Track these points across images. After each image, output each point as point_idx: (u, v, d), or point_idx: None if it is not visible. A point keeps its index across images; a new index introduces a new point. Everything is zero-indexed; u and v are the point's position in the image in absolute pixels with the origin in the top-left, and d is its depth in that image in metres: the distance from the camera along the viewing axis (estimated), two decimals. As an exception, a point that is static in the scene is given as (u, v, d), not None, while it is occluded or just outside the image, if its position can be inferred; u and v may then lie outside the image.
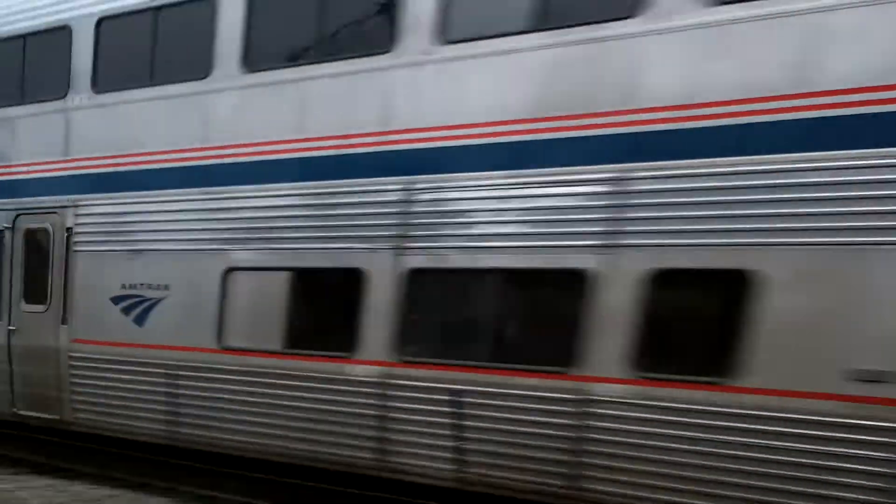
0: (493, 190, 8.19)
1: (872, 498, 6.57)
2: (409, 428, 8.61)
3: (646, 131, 7.48)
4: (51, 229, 11.45)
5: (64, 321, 11.25)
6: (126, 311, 10.68)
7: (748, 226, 7.07)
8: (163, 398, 10.22)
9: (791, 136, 6.86)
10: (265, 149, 9.65)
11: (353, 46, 9.11)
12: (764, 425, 6.96)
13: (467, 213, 8.35)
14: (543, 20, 8.09)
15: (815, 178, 6.84)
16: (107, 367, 10.76)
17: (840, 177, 6.73)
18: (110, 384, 10.74)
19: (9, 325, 11.75)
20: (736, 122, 7.12)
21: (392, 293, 8.74)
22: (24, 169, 11.85)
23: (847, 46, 6.64)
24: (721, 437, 7.13)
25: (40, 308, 11.50)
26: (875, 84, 6.56)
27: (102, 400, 10.81)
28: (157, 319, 10.36)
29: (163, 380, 10.24)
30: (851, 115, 6.61)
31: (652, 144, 7.45)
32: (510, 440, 8.02)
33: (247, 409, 9.58)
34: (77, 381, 11.08)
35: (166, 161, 10.42)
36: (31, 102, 11.77)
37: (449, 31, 8.61)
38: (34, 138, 11.72)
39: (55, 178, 11.50)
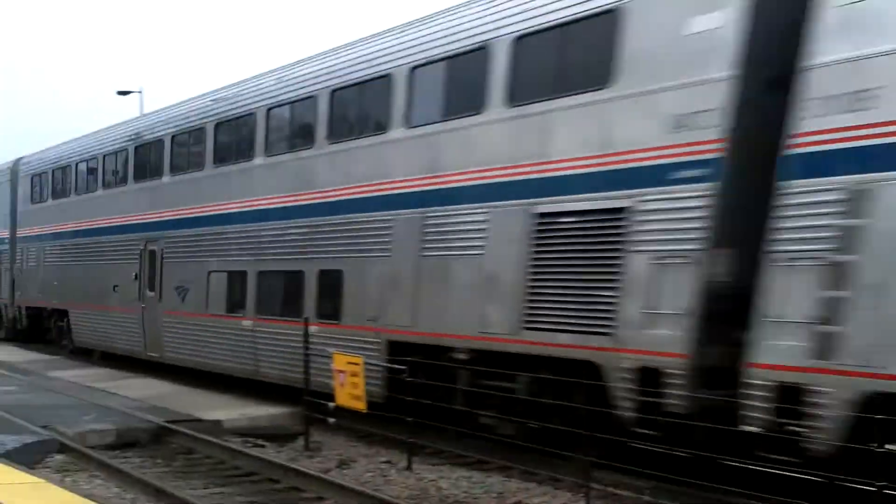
0: (273, 231, 17.19)
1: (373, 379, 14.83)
2: (264, 352, 17.72)
3: (322, 202, 16.12)
4: (157, 249, 21.72)
5: (160, 300, 21.48)
6: (179, 295, 20.67)
7: (340, 249, 15.56)
8: (193, 342, 19.92)
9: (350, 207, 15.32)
10: (224, 206, 19.20)
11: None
12: (346, 342, 15.41)
13: (268, 242, 17.40)
14: (293, 146, 16.99)
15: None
16: (175, 326, 20.77)
17: (351, 228, 15.13)
18: (178, 336, 20.72)
19: (142, 304, 22.20)
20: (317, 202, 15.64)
21: (254, 284, 17.94)
22: (148, 216, 22.22)
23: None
24: (334, 346, 15.64)
25: (154, 294, 21.82)
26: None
27: (175, 345, 20.80)
28: (191, 297, 20.19)
29: (205, 333, 19.92)
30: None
31: (323, 208, 16.09)
32: (286, 357, 16.85)
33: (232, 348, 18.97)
34: (166, 334, 21.21)
35: (185, 213, 20.29)
36: (138, 182, 22.21)
37: (270, 150, 17.71)
38: (143, 202, 22.09)
39: (157, 222, 21.76)
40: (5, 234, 32.14)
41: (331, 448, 13.97)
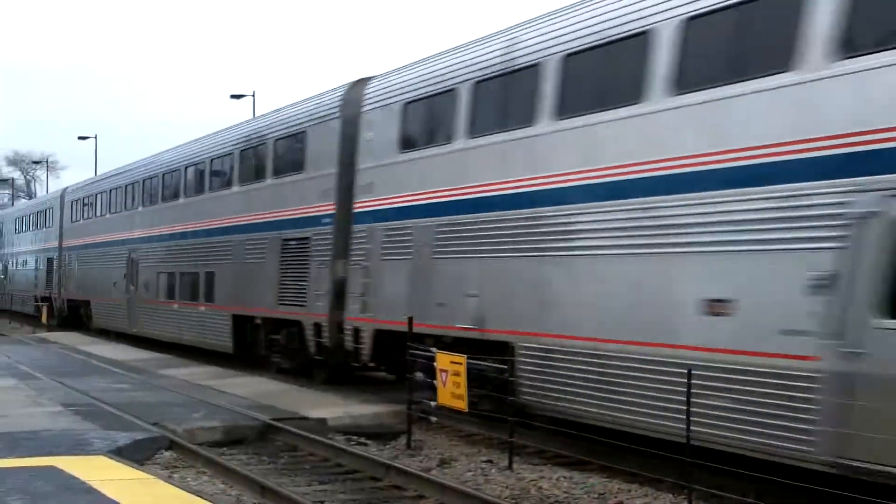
0: (187, 245, 27.33)
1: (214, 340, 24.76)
2: (184, 324, 27.80)
3: (205, 228, 26.19)
4: (135, 257, 32.10)
5: (137, 292, 31.85)
6: (145, 288, 31.01)
7: (213, 258, 25.58)
8: (153, 320, 30.10)
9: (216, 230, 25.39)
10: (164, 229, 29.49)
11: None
12: (215, 316, 25.40)
13: (184, 252, 27.54)
14: (197, 191, 27.14)
15: (202, 245, 25.30)
16: (144, 309, 31.06)
17: (207, 243, 25.18)
18: (146, 316, 30.97)
19: (127, 295, 32.61)
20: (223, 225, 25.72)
21: (178, 280, 28.12)
22: (130, 234, 32.59)
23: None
24: (207, 317, 25.66)
25: (133, 288, 32.21)
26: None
27: (144, 322, 31.04)
28: (150, 289, 30.47)
29: (156, 313, 30.13)
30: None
31: (206, 232, 26.14)
32: (194, 327, 26.87)
33: (168, 322, 29.11)
34: (140, 316, 31.55)
35: (148, 233, 30.62)
36: (127, 210, 32.70)
37: (187, 194, 27.90)
38: (128, 225, 32.50)
39: (134, 238, 32.14)
40: (55, 244, 43.10)
41: (432, 447, 14.21)
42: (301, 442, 14.29)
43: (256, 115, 36.39)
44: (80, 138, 64.67)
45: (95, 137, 64.33)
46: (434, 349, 14.56)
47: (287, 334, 21.72)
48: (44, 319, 41.07)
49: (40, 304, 42.10)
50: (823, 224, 9.71)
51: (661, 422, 11.27)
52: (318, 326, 20.13)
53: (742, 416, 10.40)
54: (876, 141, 9.27)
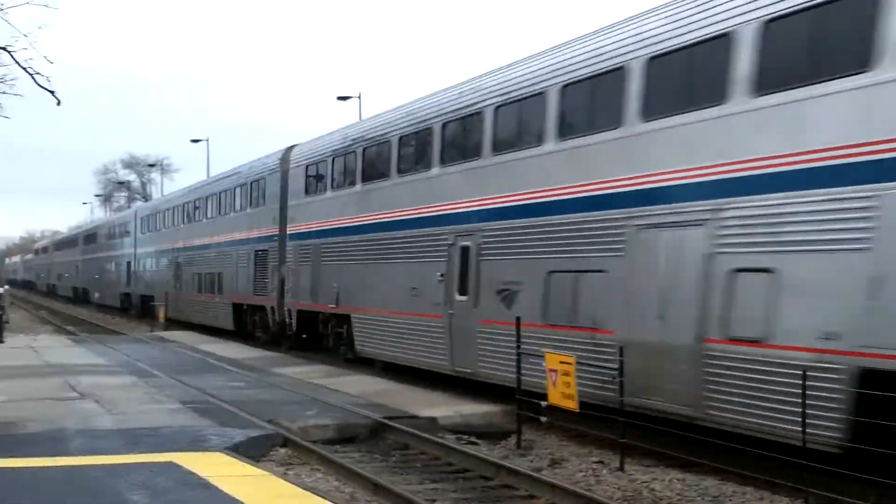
0: (208, 255, 37.40)
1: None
2: (211, 312, 37.76)
3: (227, 241, 36.18)
4: (180, 262, 42.26)
5: (181, 288, 42.05)
6: (186, 285, 41.16)
7: (219, 262, 35.51)
8: (194, 309, 40.13)
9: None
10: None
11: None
12: (223, 304, 35.29)
13: (204, 259, 37.57)
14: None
15: (215, 253, 35.26)
16: (186, 301, 41.15)
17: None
18: (187, 306, 40.93)
19: (175, 290, 42.85)
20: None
21: (204, 279, 38.17)
22: (174, 244, 42.82)
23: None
24: (219, 305, 35.56)
25: (179, 286, 42.39)
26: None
27: (187, 312, 41.10)
28: (188, 286, 40.59)
29: (192, 303, 40.19)
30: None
31: (222, 244, 36.14)
32: (213, 312, 36.79)
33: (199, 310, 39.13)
34: (183, 306, 41.63)
35: (187, 244, 40.84)
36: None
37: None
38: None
39: (178, 248, 42.33)
40: (132, 251, 53.90)
41: (542, 447, 14.24)
42: (412, 440, 14.34)
43: (362, 117, 37.59)
44: (192, 141, 65.08)
45: (207, 140, 64.40)
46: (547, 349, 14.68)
47: (260, 315, 31.46)
48: (161, 318, 42.08)
49: (157, 303, 43.46)
50: (442, 248, 19.15)
51: (422, 358, 19.93)
52: (273, 309, 29.76)
53: (427, 348, 19.62)
54: (448, 209, 18.77)
